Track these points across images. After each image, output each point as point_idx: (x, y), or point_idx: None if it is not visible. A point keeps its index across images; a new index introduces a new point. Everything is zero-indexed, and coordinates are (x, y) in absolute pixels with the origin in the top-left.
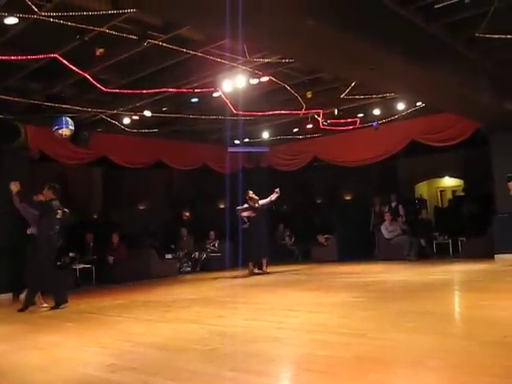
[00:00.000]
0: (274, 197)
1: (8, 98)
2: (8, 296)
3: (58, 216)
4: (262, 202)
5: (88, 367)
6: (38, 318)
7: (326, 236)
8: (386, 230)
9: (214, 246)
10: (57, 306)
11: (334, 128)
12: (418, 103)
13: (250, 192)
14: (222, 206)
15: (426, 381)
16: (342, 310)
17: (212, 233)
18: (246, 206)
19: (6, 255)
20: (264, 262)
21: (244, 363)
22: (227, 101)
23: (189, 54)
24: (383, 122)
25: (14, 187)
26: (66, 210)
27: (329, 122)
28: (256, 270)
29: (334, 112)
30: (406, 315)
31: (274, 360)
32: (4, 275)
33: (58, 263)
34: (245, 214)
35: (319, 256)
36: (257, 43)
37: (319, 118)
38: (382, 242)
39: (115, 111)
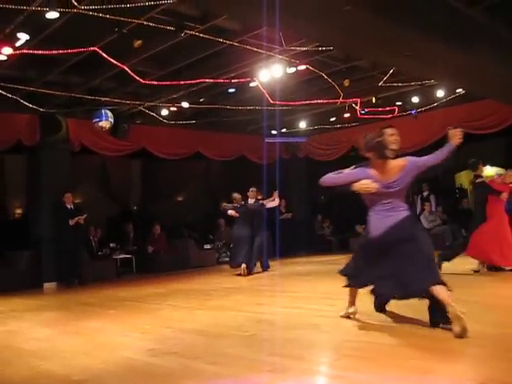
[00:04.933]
0: (268, 204)
1: (50, 91)
2: (52, 285)
3: None
4: (249, 202)
5: (130, 352)
6: (82, 305)
7: (363, 226)
8: (426, 219)
9: None
10: None
11: (371, 117)
12: (458, 90)
13: (251, 189)
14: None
15: (464, 369)
16: None
17: None
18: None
19: (50, 246)
20: (244, 267)
21: (283, 349)
22: (264, 91)
23: (225, 44)
24: (422, 110)
25: None
26: None
27: (366, 110)
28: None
29: (371, 100)
30: None
31: (314, 346)
32: (49, 265)
33: (99, 253)
34: (230, 212)
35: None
36: (294, 31)
37: (357, 107)
38: None
39: (153, 103)
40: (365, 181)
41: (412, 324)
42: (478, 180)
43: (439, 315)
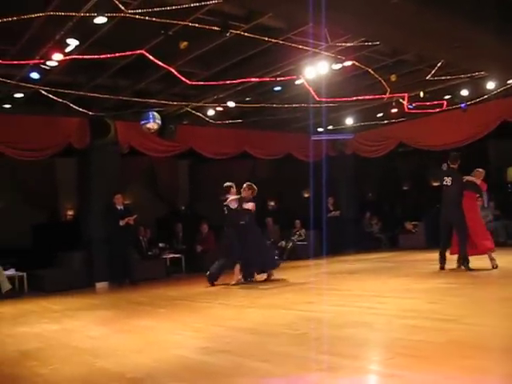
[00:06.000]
0: (247, 204)
1: (98, 95)
2: (104, 284)
3: None
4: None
5: (183, 350)
6: (133, 304)
7: (413, 223)
8: None
9: (300, 234)
10: None
11: (419, 111)
12: (510, 81)
13: (244, 185)
14: (306, 195)
15: None
16: (433, 296)
17: (298, 222)
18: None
19: (101, 247)
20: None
21: (335, 347)
22: (310, 88)
23: (270, 42)
24: (472, 103)
25: None
26: None
27: (414, 105)
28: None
29: (419, 95)
30: (502, 301)
31: (366, 344)
32: (100, 265)
33: (149, 253)
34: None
35: (407, 243)
36: (340, 26)
37: (404, 102)
38: None
39: (200, 103)
40: None
41: (466, 323)
42: None
43: None
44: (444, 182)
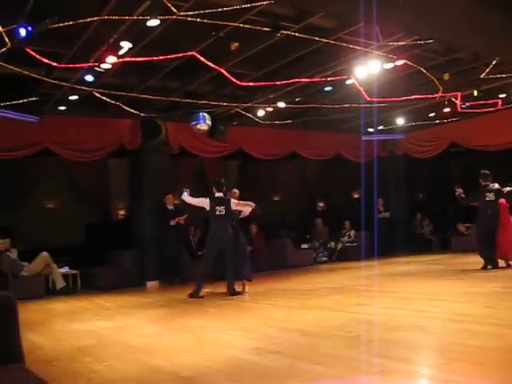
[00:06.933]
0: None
1: (150, 97)
2: (155, 283)
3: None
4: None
5: (234, 350)
6: (184, 303)
7: (466, 225)
8: None
9: (349, 236)
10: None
11: (473, 111)
12: None
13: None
14: (355, 196)
15: None
16: (488, 300)
17: (347, 223)
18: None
19: (152, 246)
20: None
21: (388, 350)
22: (361, 88)
23: (321, 42)
24: None
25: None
26: None
27: (467, 104)
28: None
29: (473, 94)
30: None
31: (420, 348)
32: (151, 264)
33: (199, 253)
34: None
35: (459, 245)
36: (393, 24)
37: (457, 101)
38: None
39: (250, 104)
40: None
41: None
42: None
43: None
44: (487, 198)
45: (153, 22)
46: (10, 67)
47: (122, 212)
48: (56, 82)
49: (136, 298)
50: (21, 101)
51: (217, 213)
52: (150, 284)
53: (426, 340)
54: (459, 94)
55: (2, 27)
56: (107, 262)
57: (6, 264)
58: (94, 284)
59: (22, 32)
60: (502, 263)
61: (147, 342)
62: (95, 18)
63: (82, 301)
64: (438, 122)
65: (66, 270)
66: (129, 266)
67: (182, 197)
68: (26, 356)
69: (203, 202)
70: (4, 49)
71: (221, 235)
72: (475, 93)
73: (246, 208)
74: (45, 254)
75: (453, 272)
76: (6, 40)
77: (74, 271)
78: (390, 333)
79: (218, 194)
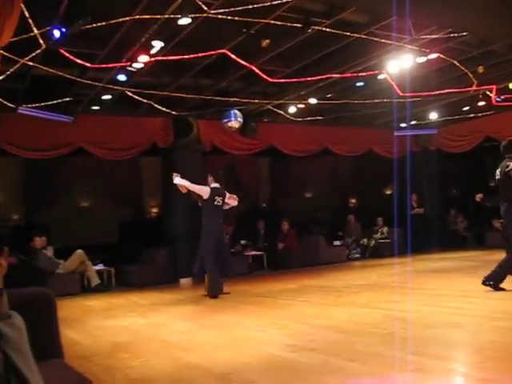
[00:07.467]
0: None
1: (182, 95)
2: (188, 280)
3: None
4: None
5: (269, 347)
6: (217, 300)
7: (501, 221)
8: None
9: (382, 232)
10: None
11: (508, 104)
12: None
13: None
14: (387, 192)
15: None
16: None
17: (380, 219)
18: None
19: (184, 242)
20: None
21: (424, 347)
22: (393, 83)
23: (352, 37)
24: None
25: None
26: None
27: (503, 97)
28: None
29: (508, 87)
30: None
31: (456, 346)
32: (184, 261)
33: (232, 250)
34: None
35: (495, 242)
36: (426, 17)
37: (492, 95)
38: None
39: (281, 101)
40: None
41: None
42: None
43: None
44: None
45: (184, 21)
46: (45, 68)
47: (154, 210)
48: (89, 82)
49: (169, 294)
50: (55, 101)
51: (215, 203)
52: (183, 281)
53: (461, 337)
54: (494, 87)
55: (37, 29)
56: (141, 259)
57: (43, 262)
58: (128, 281)
59: (56, 33)
60: None
61: (181, 339)
62: (127, 18)
63: (116, 298)
64: (472, 115)
65: (100, 267)
66: (162, 263)
67: (176, 181)
68: (64, 352)
69: (203, 190)
70: (39, 50)
71: (216, 226)
72: (511, 86)
73: (232, 201)
74: (80, 251)
75: (487, 269)
76: (41, 42)
77: (108, 268)
78: (425, 330)
79: (215, 185)
